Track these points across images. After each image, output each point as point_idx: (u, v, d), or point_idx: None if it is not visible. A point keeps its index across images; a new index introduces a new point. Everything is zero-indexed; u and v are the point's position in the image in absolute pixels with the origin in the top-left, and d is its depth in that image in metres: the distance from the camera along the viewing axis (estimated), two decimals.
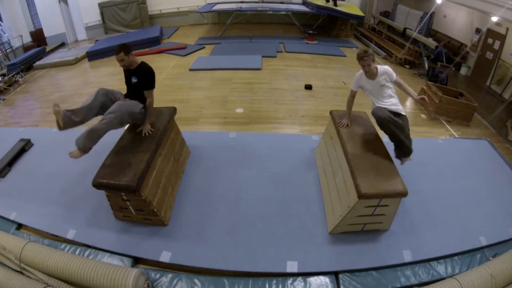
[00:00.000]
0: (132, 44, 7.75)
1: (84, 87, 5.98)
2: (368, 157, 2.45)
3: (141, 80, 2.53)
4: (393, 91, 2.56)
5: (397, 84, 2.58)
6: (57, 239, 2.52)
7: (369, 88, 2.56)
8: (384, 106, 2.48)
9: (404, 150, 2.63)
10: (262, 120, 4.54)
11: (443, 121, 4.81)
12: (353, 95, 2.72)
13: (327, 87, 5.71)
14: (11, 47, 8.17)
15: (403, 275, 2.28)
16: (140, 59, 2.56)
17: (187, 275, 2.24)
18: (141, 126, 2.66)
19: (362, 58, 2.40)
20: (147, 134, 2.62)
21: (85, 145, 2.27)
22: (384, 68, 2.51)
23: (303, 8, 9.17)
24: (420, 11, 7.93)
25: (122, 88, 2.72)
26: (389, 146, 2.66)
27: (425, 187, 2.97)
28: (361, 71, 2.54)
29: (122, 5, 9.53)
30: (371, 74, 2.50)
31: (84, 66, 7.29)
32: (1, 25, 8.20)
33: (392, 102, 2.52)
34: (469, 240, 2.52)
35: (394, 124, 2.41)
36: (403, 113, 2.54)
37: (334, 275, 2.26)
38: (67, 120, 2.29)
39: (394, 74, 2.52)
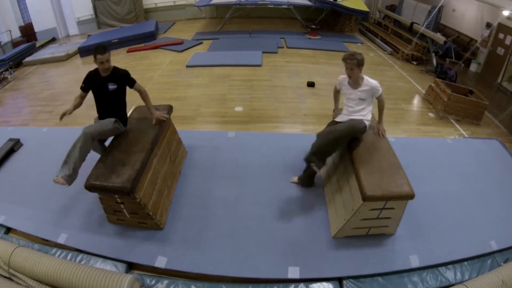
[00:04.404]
0: (126, 40, 7.68)
1: (76, 85, 5.81)
2: (373, 158, 2.36)
3: (121, 84, 2.46)
4: (369, 107, 2.53)
5: (378, 100, 2.53)
6: (47, 244, 2.46)
7: (348, 94, 2.53)
8: (355, 118, 2.47)
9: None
10: (263, 119, 4.45)
11: (452, 120, 4.69)
12: (337, 90, 2.76)
13: (330, 84, 5.50)
14: None
15: (410, 282, 2.20)
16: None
17: (183, 281, 2.18)
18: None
19: (345, 60, 2.35)
20: (164, 118, 2.66)
21: (63, 171, 2.24)
22: (370, 81, 2.43)
23: (306, 1, 8.99)
24: (428, 5, 7.72)
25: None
26: (395, 146, 2.56)
27: (433, 189, 2.88)
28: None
29: None
30: (353, 82, 2.45)
31: (76, 62, 7.18)
32: None
33: (362, 115, 2.49)
34: (479, 244, 2.44)
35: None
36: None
37: (338, 281, 2.19)
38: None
39: (380, 91, 2.45)
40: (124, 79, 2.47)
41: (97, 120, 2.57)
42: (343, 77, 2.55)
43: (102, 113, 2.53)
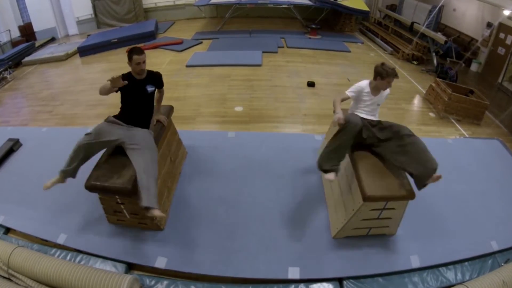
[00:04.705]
0: (126, 39, 7.64)
1: (76, 84, 5.87)
2: (373, 158, 2.35)
3: (156, 86, 2.44)
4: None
5: None
6: (47, 244, 2.45)
7: (367, 100, 2.45)
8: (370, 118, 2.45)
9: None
10: (263, 119, 4.44)
11: (453, 120, 4.68)
12: (345, 99, 2.44)
13: (330, 84, 5.57)
14: None
15: (410, 282, 2.19)
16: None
17: (183, 281, 2.18)
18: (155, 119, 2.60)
19: (395, 78, 2.27)
20: (165, 123, 2.64)
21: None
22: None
23: (306, 1, 8.97)
24: (428, 4, 7.70)
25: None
26: None
27: (434, 190, 2.77)
28: (367, 81, 2.40)
29: None
30: (376, 89, 2.40)
31: (75, 62, 7.16)
32: None
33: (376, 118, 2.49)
34: (480, 245, 2.43)
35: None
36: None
37: (338, 281, 2.18)
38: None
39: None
40: (159, 80, 2.46)
41: (113, 120, 2.31)
42: (365, 84, 2.39)
43: (134, 117, 2.33)
